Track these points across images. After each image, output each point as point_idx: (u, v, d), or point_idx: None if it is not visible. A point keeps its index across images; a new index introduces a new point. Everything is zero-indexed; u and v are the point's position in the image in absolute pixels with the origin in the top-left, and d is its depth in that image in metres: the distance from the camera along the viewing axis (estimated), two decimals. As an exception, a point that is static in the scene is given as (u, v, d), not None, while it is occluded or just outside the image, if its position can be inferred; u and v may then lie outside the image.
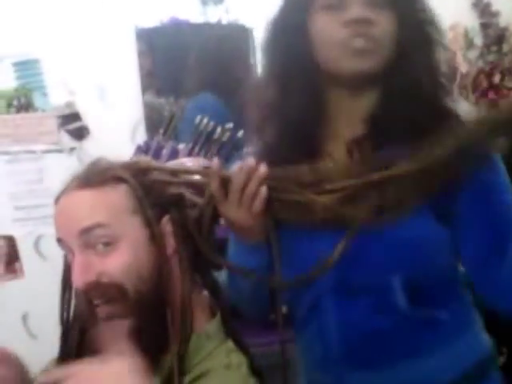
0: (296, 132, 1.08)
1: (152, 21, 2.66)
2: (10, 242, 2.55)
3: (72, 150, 2.53)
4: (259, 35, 2.82)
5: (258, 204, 1.00)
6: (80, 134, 2.53)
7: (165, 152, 2.32)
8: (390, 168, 0.98)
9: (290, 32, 1.07)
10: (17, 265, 2.56)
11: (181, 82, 2.61)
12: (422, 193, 0.99)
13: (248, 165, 0.99)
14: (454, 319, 1.07)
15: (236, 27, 2.72)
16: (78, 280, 0.93)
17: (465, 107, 2.61)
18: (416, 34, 1.04)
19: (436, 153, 0.97)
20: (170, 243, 1.00)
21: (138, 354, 0.92)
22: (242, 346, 1.03)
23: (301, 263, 1.06)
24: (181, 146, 2.44)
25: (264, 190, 0.99)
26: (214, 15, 2.72)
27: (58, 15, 2.45)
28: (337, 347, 1.08)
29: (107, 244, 0.94)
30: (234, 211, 1.02)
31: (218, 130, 2.19)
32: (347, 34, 1.00)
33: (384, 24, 1.01)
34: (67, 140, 2.53)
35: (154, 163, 1.08)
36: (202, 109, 2.46)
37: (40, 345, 2.10)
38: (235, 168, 1.01)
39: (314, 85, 1.07)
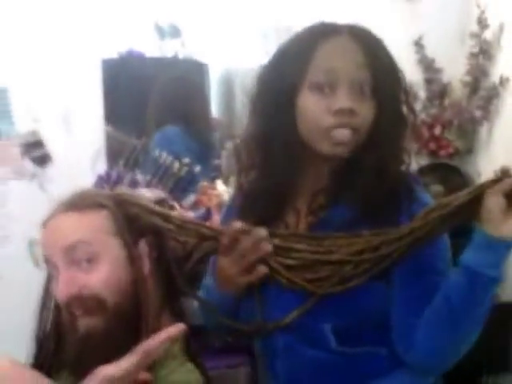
0: (270, 189, 1.15)
1: (112, 52, 2.69)
2: (-34, 261, 2.55)
3: (34, 176, 2.56)
4: (214, 71, 2.94)
5: (257, 272, 1.09)
6: (42, 160, 2.56)
7: (124, 182, 2.41)
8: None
9: (277, 99, 1.10)
10: (-27, 283, 2.55)
11: (139, 114, 2.67)
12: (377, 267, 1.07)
13: (258, 235, 1.06)
14: (386, 357, 1.13)
15: (193, 63, 2.79)
16: (62, 293, 1.00)
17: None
18: (392, 118, 1.09)
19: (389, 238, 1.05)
20: (146, 263, 1.08)
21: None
22: (200, 368, 1.09)
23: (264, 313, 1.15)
24: (139, 177, 2.53)
25: (263, 267, 1.08)
26: (170, 48, 2.77)
27: (26, 46, 2.48)
28: (282, 372, 1.17)
29: (90, 260, 1.01)
30: (231, 266, 1.10)
31: (176, 164, 2.30)
32: (332, 122, 1.05)
33: (365, 113, 1.06)
34: (30, 166, 2.55)
35: (137, 198, 1.17)
36: (166, 139, 2.60)
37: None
38: (254, 232, 1.07)
39: (293, 153, 1.11)
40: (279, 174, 1.13)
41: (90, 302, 1.01)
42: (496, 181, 0.99)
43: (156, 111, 2.69)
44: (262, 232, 1.06)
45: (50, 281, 1.08)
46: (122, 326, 1.02)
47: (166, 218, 1.14)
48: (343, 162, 1.12)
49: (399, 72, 1.13)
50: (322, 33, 1.09)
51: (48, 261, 1.05)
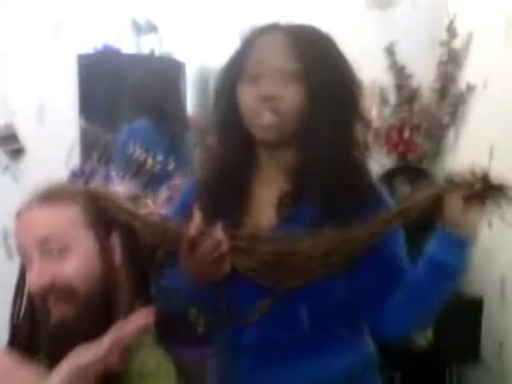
0: (230, 175, 1.22)
1: (88, 47, 2.68)
2: None
3: (6, 168, 2.59)
4: (190, 68, 2.93)
5: (218, 268, 1.12)
6: (16, 154, 2.58)
7: (98, 177, 2.42)
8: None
9: (225, 91, 1.20)
10: None
11: (114, 109, 2.68)
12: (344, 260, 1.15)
13: (215, 237, 1.08)
14: (345, 337, 1.24)
15: (169, 61, 2.78)
16: (36, 282, 1.03)
17: (377, 158, 2.82)
18: (325, 103, 1.13)
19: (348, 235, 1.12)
20: (117, 255, 1.10)
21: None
22: (171, 355, 1.11)
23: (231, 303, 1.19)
24: (113, 173, 2.55)
25: (227, 262, 1.12)
26: (146, 45, 2.77)
27: (2, 39, 2.52)
28: (250, 347, 1.22)
29: (62, 251, 1.04)
30: (193, 264, 1.12)
31: (150, 161, 2.32)
32: (257, 108, 1.13)
33: (290, 97, 1.12)
34: (3, 159, 2.58)
35: (107, 194, 1.17)
36: (135, 133, 2.56)
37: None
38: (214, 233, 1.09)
39: (244, 139, 1.19)
40: (233, 163, 1.22)
41: (61, 291, 1.03)
42: (449, 183, 1.08)
43: (129, 105, 2.69)
44: (219, 234, 1.09)
45: (24, 269, 1.11)
46: (93, 314, 1.04)
47: (132, 216, 1.15)
48: (293, 154, 1.19)
49: (335, 64, 1.17)
50: (260, 31, 1.19)
51: (22, 252, 1.08)
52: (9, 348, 1.12)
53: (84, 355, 0.93)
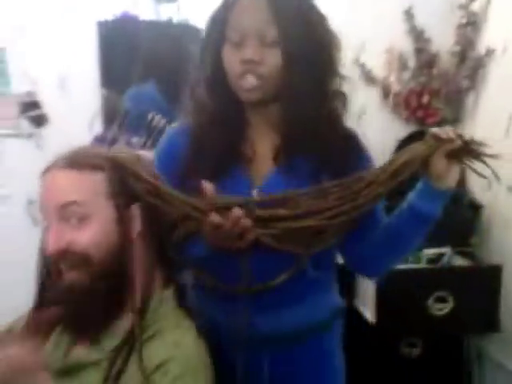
0: (223, 128, 1.28)
1: (107, 15, 2.66)
2: (-35, 217, 2.61)
3: (31, 135, 2.61)
4: None
5: (244, 241, 1.17)
6: (39, 121, 2.60)
7: (119, 144, 2.46)
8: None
9: (211, 53, 1.28)
10: (-29, 239, 2.62)
11: (132, 76, 2.67)
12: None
13: (236, 215, 1.12)
14: (323, 282, 1.37)
15: (187, 27, 2.75)
16: (51, 246, 1.05)
17: (396, 122, 2.83)
18: (302, 65, 1.22)
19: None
20: (136, 226, 1.11)
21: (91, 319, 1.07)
22: (191, 315, 1.16)
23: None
24: (134, 140, 2.59)
25: (249, 237, 1.16)
26: (165, 13, 2.75)
27: (24, 7, 2.52)
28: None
29: (80, 219, 1.05)
30: (217, 241, 1.17)
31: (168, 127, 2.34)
32: (240, 71, 1.22)
33: (271, 61, 1.21)
34: (26, 126, 2.60)
35: (130, 162, 1.16)
36: (138, 95, 2.63)
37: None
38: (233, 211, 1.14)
39: (232, 98, 1.28)
40: (225, 118, 1.30)
41: (76, 258, 1.05)
42: (433, 139, 1.19)
43: (143, 69, 2.68)
44: (238, 211, 1.13)
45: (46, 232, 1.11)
46: (106, 282, 1.06)
47: (155, 189, 1.16)
48: (277, 111, 1.28)
49: (311, 28, 1.24)
50: None
51: (42, 212, 1.10)
52: (35, 307, 1.14)
53: None
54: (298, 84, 1.23)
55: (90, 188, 1.07)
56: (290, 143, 1.28)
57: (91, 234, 1.06)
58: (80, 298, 1.05)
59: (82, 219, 1.06)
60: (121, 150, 1.23)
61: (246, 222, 1.14)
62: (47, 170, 1.10)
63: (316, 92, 1.26)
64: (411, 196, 1.26)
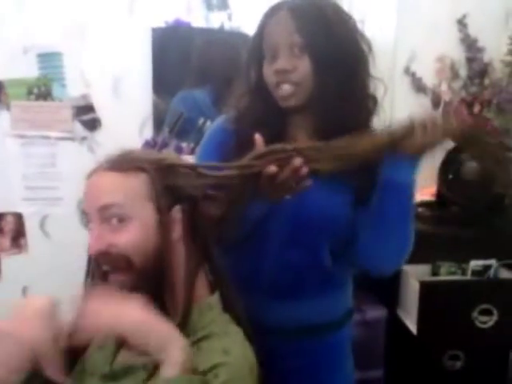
0: (264, 131, 1.29)
1: (159, 22, 2.70)
2: (18, 218, 2.69)
3: (83, 139, 2.66)
4: None
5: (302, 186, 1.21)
6: (92, 124, 2.65)
7: (169, 148, 2.51)
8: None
9: (254, 69, 1.41)
10: (22, 240, 2.71)
11: (182, 82, 2.72)
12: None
13: (295, 164, 1.16)
14: (339, 280, 1.47)
15: (238, 35, 2.78)
16: (92, 248, 1.06)
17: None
18: (328, 69, 1.30)
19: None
20: (177, 229, 1.11)
21: None
22: (238, 319, 1.16)
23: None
24: (184, 145, 2.63)
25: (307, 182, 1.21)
26: (216, 21, 2.78)
27: (81, 13, 2.58)
28: (264, 276, 1.40)
29: (121, 221, 1.06)
30: (273, 192, 1.21)
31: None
32: (276, 80, 1.34)
33: (302, 68, 1.31)
34: (80, 129, 2.65)
35: (181, 161, 1.20)
36: (190, 100, 2.68)
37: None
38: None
39: (272, 104, 1.38)
40: (266, 123, 1.36)
41: (117, 260, 1.06)
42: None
43: (196, 75, 2.74)
44: (298, 161, 1.16)
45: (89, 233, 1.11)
46: (148, 287, 1.06)
47: (212, 178, 1.18)
48: (311, 116, 1.37)
49: (334, 33, 1.31)
50: (270, 11, 1.36)
51: (86, 214, 1.11)
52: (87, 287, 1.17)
53: None
54: (326, 87, 1.31)
55: (131, 190, 1.08)
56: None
57: (131, 237, 1.06)
58: None
59: (123, 220, 1.06)
60: (169, 154, 1.26)
61: (305, 170, 1.18)
62: (92, 173, 1.11)
63: (345, 94, 1.33)
64: (385, 171, 1.30)
